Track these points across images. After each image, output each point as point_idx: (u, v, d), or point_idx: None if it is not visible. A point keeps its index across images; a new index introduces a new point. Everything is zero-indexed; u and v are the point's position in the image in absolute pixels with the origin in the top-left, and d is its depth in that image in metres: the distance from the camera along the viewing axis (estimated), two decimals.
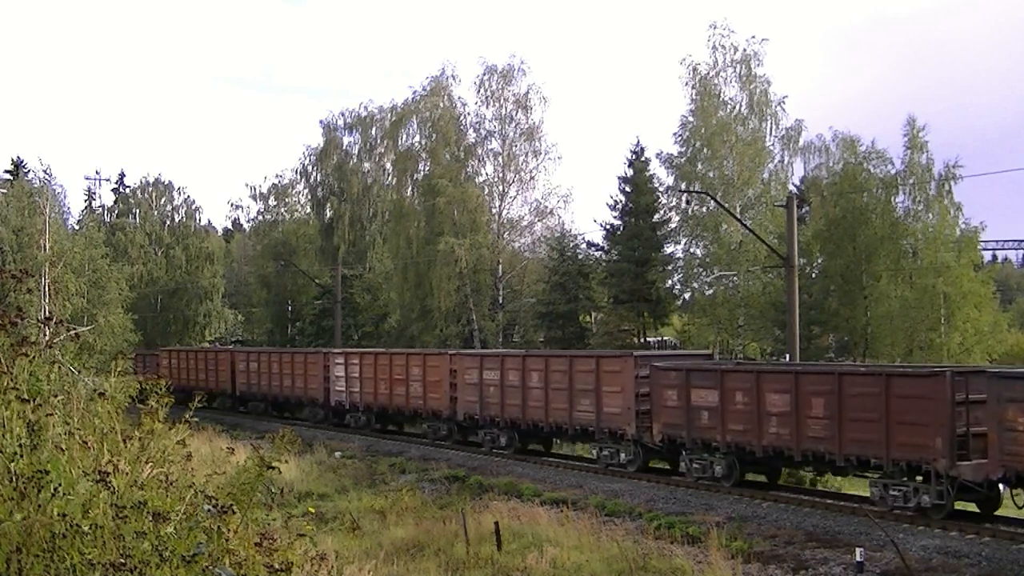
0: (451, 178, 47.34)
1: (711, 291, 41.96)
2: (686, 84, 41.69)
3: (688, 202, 40.98)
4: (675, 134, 41.97)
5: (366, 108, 59.31)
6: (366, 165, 60.39)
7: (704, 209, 40.83)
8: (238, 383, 44.34)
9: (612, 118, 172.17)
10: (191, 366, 48.18)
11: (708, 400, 22.29)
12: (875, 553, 16.14)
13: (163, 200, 69.77)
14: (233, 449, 5.70)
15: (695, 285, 43.26)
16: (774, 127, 41.84)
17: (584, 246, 45.86)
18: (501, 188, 48.90)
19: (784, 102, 41.75)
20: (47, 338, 4.41)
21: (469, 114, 49.84)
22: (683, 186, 40.70)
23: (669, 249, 43.51)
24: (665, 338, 48.65)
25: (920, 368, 21.46)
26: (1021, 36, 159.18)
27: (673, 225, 43.32)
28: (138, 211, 69.33)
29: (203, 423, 27.95)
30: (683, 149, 41.78)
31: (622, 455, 25.00)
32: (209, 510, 3.60)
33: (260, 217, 65.69)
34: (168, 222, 69.25)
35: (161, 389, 4.32)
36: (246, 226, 75.17)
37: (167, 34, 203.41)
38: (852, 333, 38.79)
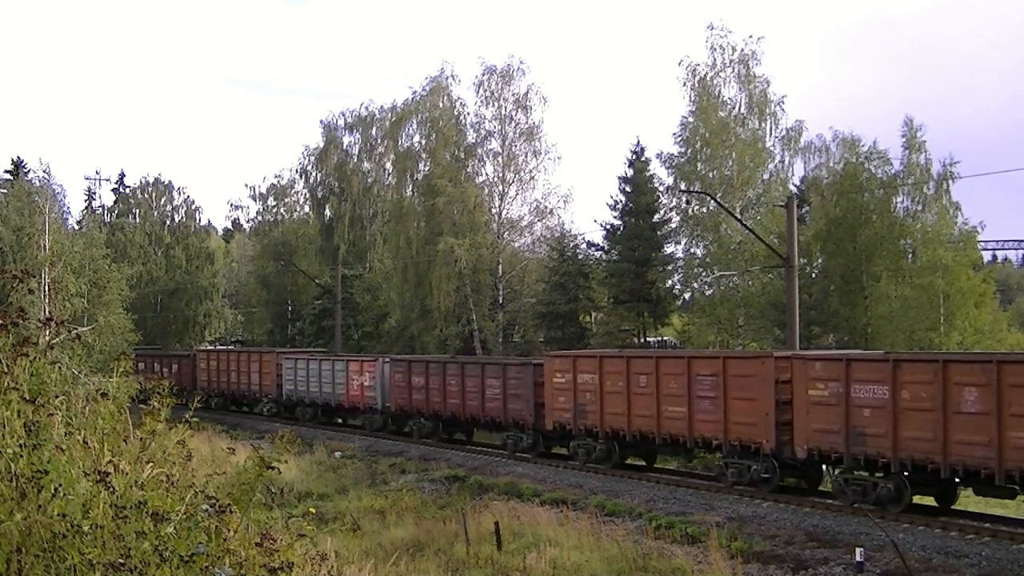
0: (451, 178, 47.34)
1: (711, 291, 41.94)
2: (685, 84, 41.77)
3: (688, 202, 40.95)
4: (675, 134, 42.02)
5: (366, 108, 59.64)
6: (366, 165, 60.48)
7: (704, 209, 40.81)
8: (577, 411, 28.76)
9: (612, 118, 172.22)
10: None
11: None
12: (875, 553, 16.14)
13: (163, 200, 69.72)
14: (233, 449, 5.71)
15: (695, 285, 43.26)
16: (774, 127, 41.92)
17: (584, 246, 45.89)
18: (501, 188, 48.90)
19: (784, 102, 41.84)
20: (47, 339, 4.41)
21: (469, 114, 49.92)
22: (683, 186, 40.69)
23: (669, 249, 43.55)
24: (665, 338, 48.62)
25: None
26: (1021, 36, 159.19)
27: (673, 225, 43.33)
28: (138, 211, 69.28)
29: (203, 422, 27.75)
30: (683, 149, 41.79)
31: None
32: (208, 510, 3.60)
33: (260, 217, 65.81)
34: (168, 222, 69.20)
35: (164, 390, 4.32)
36: (246, 226, 75.16)
37: (167, 34, 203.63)
38: (852, 333, 38.74)
